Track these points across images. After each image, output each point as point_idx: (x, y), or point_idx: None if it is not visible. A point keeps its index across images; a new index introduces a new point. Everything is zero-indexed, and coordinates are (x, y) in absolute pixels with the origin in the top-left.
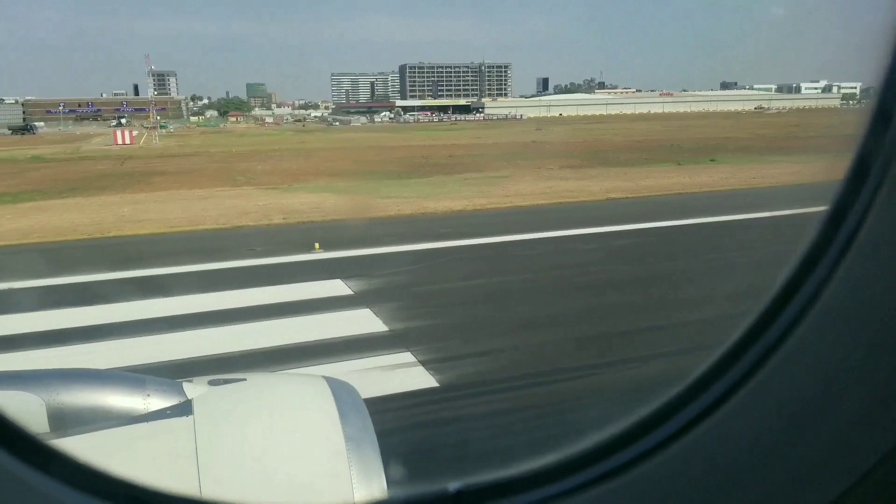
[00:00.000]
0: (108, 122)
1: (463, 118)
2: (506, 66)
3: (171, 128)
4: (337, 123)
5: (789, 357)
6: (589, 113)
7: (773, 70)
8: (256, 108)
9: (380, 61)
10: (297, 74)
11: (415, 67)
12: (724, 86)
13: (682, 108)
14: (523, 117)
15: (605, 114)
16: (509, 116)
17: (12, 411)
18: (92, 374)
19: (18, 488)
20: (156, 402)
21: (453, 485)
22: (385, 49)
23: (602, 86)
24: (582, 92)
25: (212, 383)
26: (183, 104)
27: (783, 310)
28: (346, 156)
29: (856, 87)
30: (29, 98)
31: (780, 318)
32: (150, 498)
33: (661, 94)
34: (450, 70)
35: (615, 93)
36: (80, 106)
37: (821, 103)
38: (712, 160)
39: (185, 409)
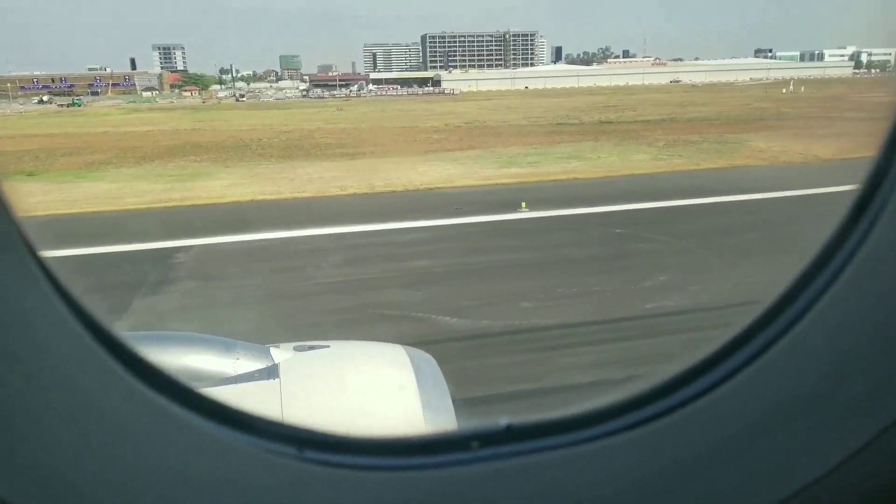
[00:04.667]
0: (31, 98)
1: (379, 92)
2: (531, 35)
3: (82, 105)
4: (244, 99)
5: (792, 345)
6: (559, 86)
7: (808, 37)
8: (217, 84)
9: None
10: (333, 46)
11: (435, 37)
12: (758, 52)
13: (664, 80)
14: (454, 92)
15: (574, 87)
16: (447, 91)
17: None
18: (186, 338)
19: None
20: (245, 365)
21: (504, 420)
22: (421, 19)
23: (627, 54)
24: (596, 62)
25: (297, 349)
26: (136, 80)
27: (795, 299)
28: None
29: (890, 54)
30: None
31: (791, 306)
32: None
33: (652, 64)
34: (472, 39)
35: (618, 63)
36: (52, 81)
37: (830, 73)
38: None
39: (272, 372)
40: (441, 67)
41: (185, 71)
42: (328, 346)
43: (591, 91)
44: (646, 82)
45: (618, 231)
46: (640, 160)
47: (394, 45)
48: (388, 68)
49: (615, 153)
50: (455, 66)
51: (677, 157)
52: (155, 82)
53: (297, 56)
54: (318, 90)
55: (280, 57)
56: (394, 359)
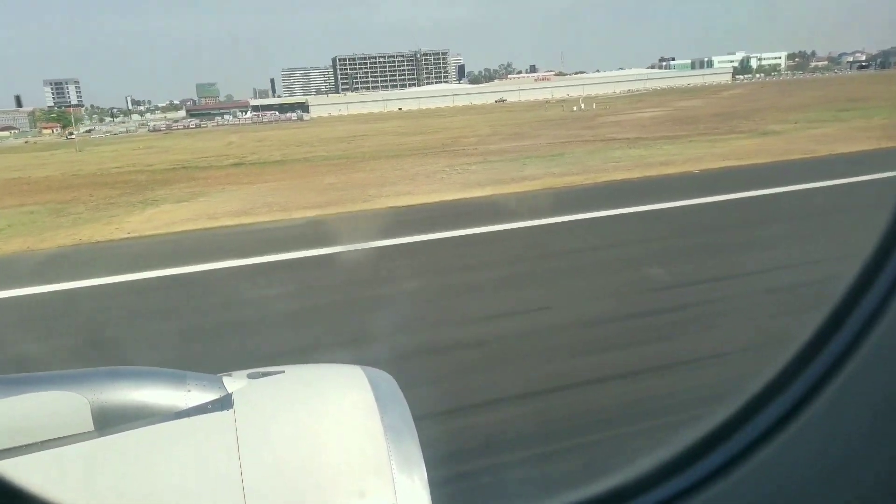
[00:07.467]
0: None
1: (252, 120)
2: (443, 53)
3: None
4: (72, 137)
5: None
6: (433, 106)
7: (713, 44)
8: (110, 118)
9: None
10: (250, 72)
11: (345, 59)
12: (662, 61)
13: (555, 94)
14: (305, 118)
15: (450, 106)
16: (294, 117)
17: (57, 411)
18: (134, 372)
19: None
20: (197, 397)
21: None
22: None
23: (534, 69)
24: (498, 78)
25: (251, 376)
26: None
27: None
28: None
29: (780, 57)
30: None
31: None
32: None
33: (535, 80)
34: (384, 60)
35: (513, 79)
36: None
37: (711, 80)
38: None
39: (225, 403)
40: (351, 89)
41: (80, 105)
42: (283, 371)
43: (425, 114)
44: (521, 98)
45: None
46: None
47: (311, 68)
48: (308, 91)
49: None
50: (367, 88)
51: None
52: (25, 120)
53: (213, 84)
54: (193, 120)
55: (196, 85)
56: (352, 381)
